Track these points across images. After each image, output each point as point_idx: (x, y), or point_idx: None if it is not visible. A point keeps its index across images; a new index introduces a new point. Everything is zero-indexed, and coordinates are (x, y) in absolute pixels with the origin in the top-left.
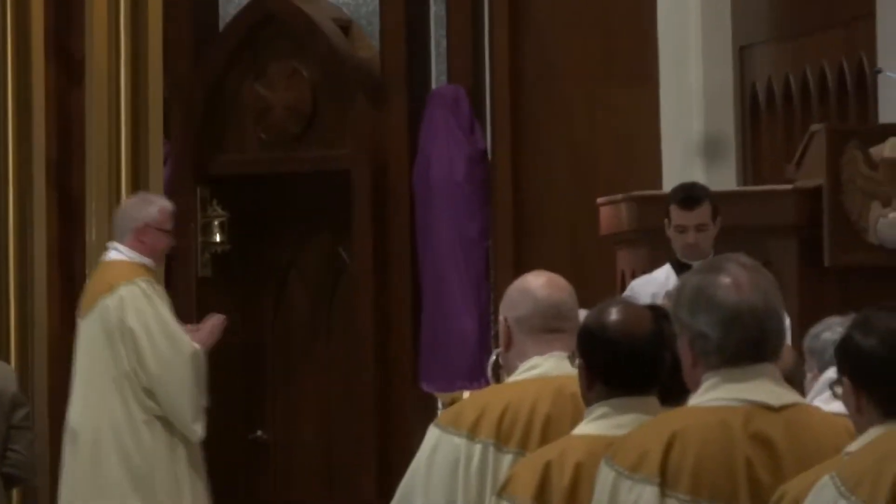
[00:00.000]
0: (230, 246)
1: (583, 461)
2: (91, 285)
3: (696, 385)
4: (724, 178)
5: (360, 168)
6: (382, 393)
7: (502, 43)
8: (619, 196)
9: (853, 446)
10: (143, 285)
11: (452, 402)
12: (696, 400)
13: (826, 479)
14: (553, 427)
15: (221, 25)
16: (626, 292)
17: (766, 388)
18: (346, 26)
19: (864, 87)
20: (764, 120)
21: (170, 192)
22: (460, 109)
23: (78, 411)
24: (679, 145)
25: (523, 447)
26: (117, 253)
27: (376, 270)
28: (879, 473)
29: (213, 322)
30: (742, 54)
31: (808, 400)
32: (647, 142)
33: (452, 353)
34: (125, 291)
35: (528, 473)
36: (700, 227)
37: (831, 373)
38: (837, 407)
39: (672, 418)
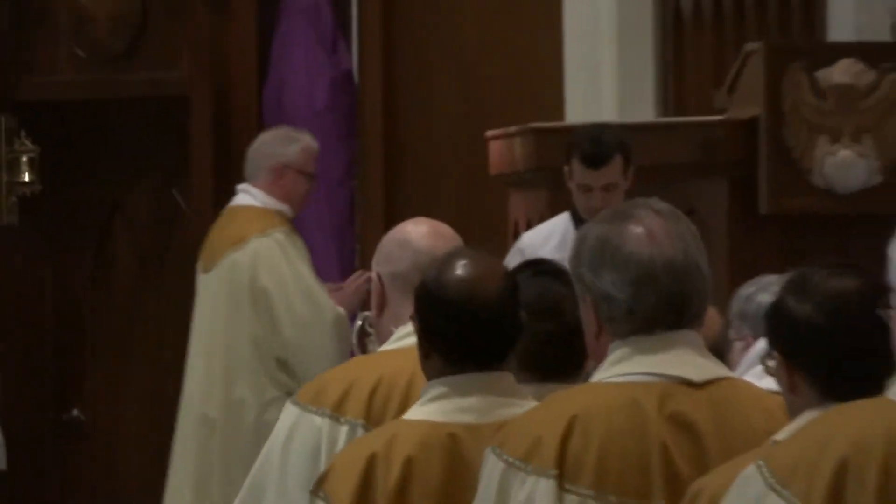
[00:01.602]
0: (41, 187)
1: (414, 455)
2: (216, 235)
3: (602, 357)
4: (641, 108)
5: (198, 92)
6: None
7: None
8: (514, 128)
9: (783, 433)
10: (280, 237)
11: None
12: (601, 375)
13: (752, 468)
14: None
15: None
16: (515, 246)
17: (686, 360)
18: None
19: None
20: (689, 38)
21: None
22: (321, 20)
23: (198, 381)
24: (586, 68)
25: None
26: (248, 197)
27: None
28: (817, 463)
29: (359, 281)
30: None
31: (737, 374)
32: (548, 63)
33: None
34: (258, 245)
35: (348, 469)
36: (608, 188)
37: (764, 343)
38: (772, 383)
39: (571, 398)
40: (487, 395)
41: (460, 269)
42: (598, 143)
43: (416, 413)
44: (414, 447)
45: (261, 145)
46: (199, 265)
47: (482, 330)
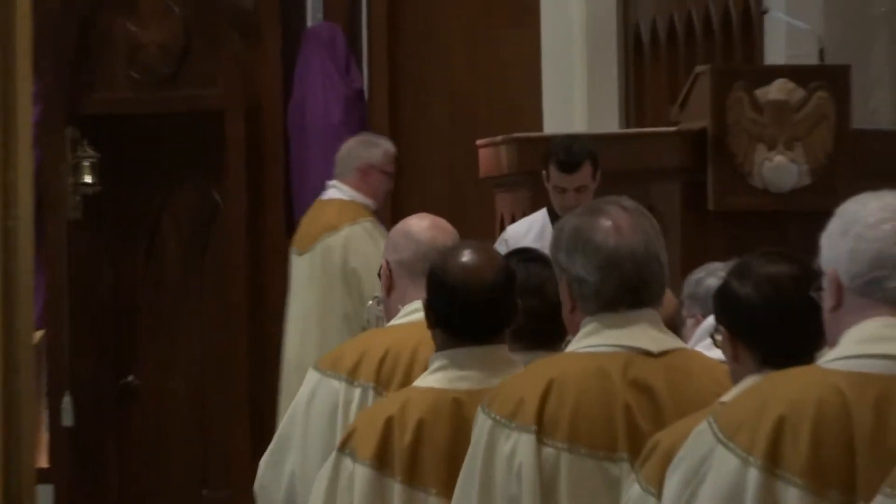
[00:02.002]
0: (101, 188)
1: (425, 418)
2: (310, 222)
3: (576, 330)
4: (607, 120)
5: (233, 109)
6: (256, 337)
7: None
8: (499, 138)
9: (728, 396)
10: (368, 226)
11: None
12: (574, 346)
13: (704, 425)
14: None
15: None
16: (501, 237)
17: (645, 334)
18: None
19: (750, 27)
20: (648, 61)
21: (39, 133)
22: (336, 48)
23: (295, 349)
24: (560, 87)
25: None
26: (338, 191)
27: (250, 213)
28: (759, 420)
29: None
30: None
31: (689, 346)
32: (527, 83)
33: None
34: (349, 232)
35: (369, 430)
36: (580, 189)
37: (712, 320)
38: (720, 354)
39: (549, 365)
40: (483, 365)
41: (463, 258)
42: (570, 152)
43: (424, 381)
44: (424, 411)
45: (349, 149)
46: (294, 249)
47: (478, 310)
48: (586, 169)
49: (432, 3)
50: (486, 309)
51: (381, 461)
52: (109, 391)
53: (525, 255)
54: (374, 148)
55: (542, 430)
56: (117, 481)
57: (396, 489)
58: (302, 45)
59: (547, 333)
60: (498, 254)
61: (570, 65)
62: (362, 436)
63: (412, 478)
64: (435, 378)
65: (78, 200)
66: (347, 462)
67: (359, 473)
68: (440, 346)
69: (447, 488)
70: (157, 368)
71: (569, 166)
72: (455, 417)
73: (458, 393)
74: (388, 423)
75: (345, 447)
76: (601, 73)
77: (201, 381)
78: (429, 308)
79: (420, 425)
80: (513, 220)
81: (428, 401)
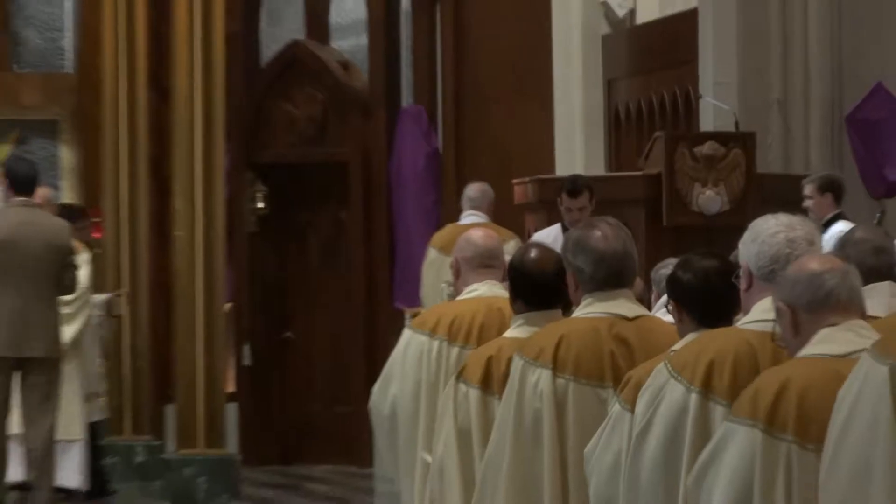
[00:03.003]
0: (269, 211)
1: (512, 356)
2: (454, 231)
3: (578, 303)
4: (597, 167)
5: (354, 161)
6: (370, 309)
7: (448, 78)
8: (527, 178)
9: (676, 346)
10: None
11: (415, 315)
12: (577, 313)
13: (661, 366)
14: (485, 331)
15: (263, 64)
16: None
17: (624, 305)
18: (345, 65)
19: (690, 107)
20: (623, 129)
21: (228, 176)
22: (421, 121)
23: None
24: (567, 145)
25: (465, 343)
26: (477, 217)
27: (365, 229)
28: (697, 361)
29: None
30: (609, 85)
31: (652, 313)
32: (544, 142)
33: (415, 282)
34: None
35: (476, 365)
36: (582, 209)
37: (665, 296)
38: (671, 318)
39: (561, 325)
40: (546, 323)
41: (532, 254)
42: (575, 184)
43: (509, 333)
44: (512, 351)
45: (483, 190)
46: (440, 249)
47: (542, 288)
48: (585, 196)
49: (482, 90)
50: (546, 288)
51: (486, 384)
52: (274, 342)
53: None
54: (490, 192)
55: (556, 368)
56: (279, 402)
57: (496, 403)
58: (399, 119)
59: (566, 304)
60: (554, 251)
61: (573, 131)
62: (472, 370)
63: None
64: (516, 331)
65: (254, 219)
66: (462, 387)
67: (472, 394)
68: (518, 311)
69: None
70: (305, 327)
71: (574, 193)
72: None
73: None
74: (489, 360)
75: (460, 377)
76: (594, 136)
77: (333, 334)
78: (511, 288)
79: (510, 361)
80: (536, 231)
81: (514, 345)
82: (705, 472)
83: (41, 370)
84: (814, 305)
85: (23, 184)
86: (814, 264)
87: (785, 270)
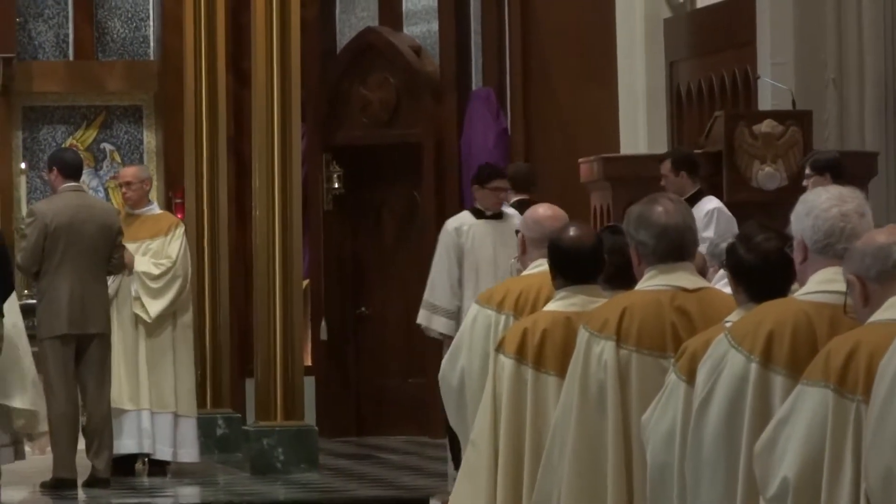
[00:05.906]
0: (344, 191)
1: (548, 328)
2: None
3: (641, 276)
4: (660, 146)
5: (427, 142)
6: None
7: (516, 59)
8: (592, 157)
9: (733, 315)
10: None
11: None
12: (640, 286)
13: (721, 336)
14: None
15: (338, 50)
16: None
17: (685, 278)
18: (417, 50)
19: (749, 87)
20: (685, 109)
21: (306, 158)
22: (490, 103)
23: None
24: (631, 125)
25: None
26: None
27: (437, 206)
28: (756, 332)
29: None
30: (671, 67)
31: (712, 285)
32: (609, 122)
33: None
34: None
35: (512, 336)
36: (663, 177)
37: (724, 270)
38: (729, 290)
39: (625, 297)
40: (584, 296)
41: (571, 232)
42: (669, 153)
43: (549, 307)
44: (548, 323)
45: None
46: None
47: (581, 264)
48: (667, 164)
49: (549, 71)
50: (585, 263)
51: (520, 354)
52: (350, 317)
53: (613, 228)
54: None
55: (620, 339)
56: (355, 374)
57: (529, 372)
58: (469, 100)
59: (624, 278)
60: (591, 228)
61: (636, 111)
62: (509, 341)
63: (539, 365)
64: (555, 305)
65: (330, 198)
66: (501, 357)
67: (507, 364)
68: (558, 286)
69: (561, 372)
70: (379, 303)
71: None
72: (566, 328)
73: (569, 313)
74: (524, 332)
75: (499, 349)
76: (656, 116)
77: (407, 310)
78: (551, 265)
79: (544, 332)
80: (600, 209)
81: (550, 318)
82: (778, 434)
83: (98, 346)
84: (882, 276)
85: (71, 169)
86: (881, 237)
87: (839, 244)
